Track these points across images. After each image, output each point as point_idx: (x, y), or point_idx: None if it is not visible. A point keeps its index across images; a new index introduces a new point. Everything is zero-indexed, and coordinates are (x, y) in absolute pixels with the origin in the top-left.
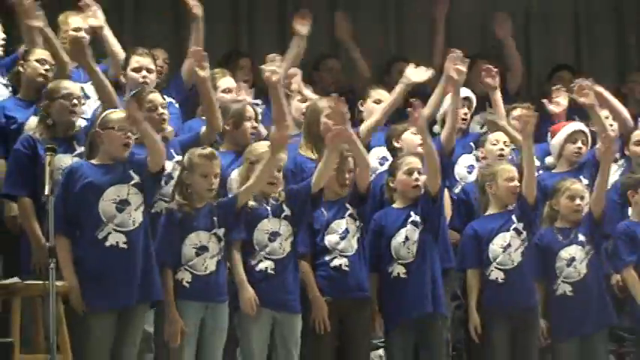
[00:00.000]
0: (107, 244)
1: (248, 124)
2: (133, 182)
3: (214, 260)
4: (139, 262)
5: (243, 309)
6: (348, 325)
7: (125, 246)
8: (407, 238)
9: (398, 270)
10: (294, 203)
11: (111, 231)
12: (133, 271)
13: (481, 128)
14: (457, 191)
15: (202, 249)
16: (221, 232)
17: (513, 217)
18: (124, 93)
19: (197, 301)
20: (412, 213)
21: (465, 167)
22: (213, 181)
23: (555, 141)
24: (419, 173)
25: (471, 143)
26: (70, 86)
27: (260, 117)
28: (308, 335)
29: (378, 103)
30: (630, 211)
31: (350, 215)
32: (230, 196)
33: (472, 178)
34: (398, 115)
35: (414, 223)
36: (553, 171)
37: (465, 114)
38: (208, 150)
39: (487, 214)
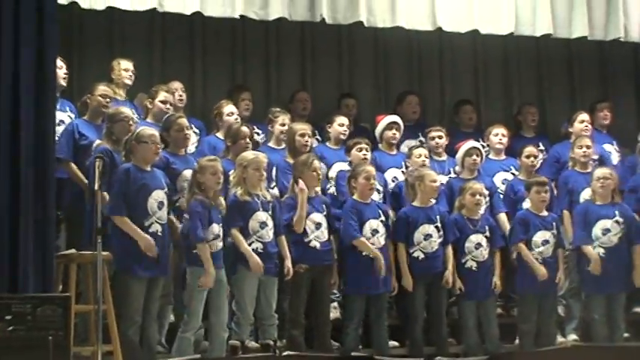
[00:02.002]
0: (151, 230)
1: (242, 142)
2: (166, 189)
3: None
4: (166, 246)
5: (255, 269)
6: (316, 283)
7: (161, 234)
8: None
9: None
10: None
11: (154, 222)
12: (162, 253)
13: (409, 150)
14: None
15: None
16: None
17: (435, 209)
18: (148, 116)
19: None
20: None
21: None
22: (220, 178)
23: (458, 155)
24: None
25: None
26: (126, 111)
27: (257, 137)
28: (289, 285)
29: (341, 125)
30: (525, 204)
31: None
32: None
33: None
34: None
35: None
36: (460, 176)
37: (394, 135)
38: (212, 157)
39: (415, 204)
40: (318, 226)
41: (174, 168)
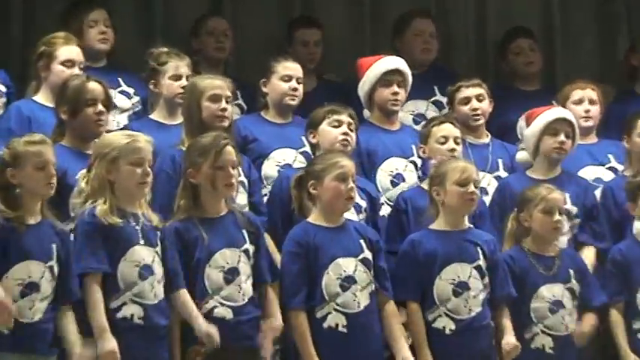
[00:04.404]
0: None
1: (90, 112)
2: None
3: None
4: None
5: None
6: None
7: None
8: None
9: None
10: None
11: None
12: None
13: (425, 126)
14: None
15: None
16: None
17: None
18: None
19: None
20: None
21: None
22: (53, 172)
23: (530, 131)
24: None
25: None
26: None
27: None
28: None
29: (288, 79)
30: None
31: None
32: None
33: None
34: None
35: None
36: (528, 173)
37: (395, 94)
38: (38, 136)
39: (434, 227)
40: (230, 275)
41: None
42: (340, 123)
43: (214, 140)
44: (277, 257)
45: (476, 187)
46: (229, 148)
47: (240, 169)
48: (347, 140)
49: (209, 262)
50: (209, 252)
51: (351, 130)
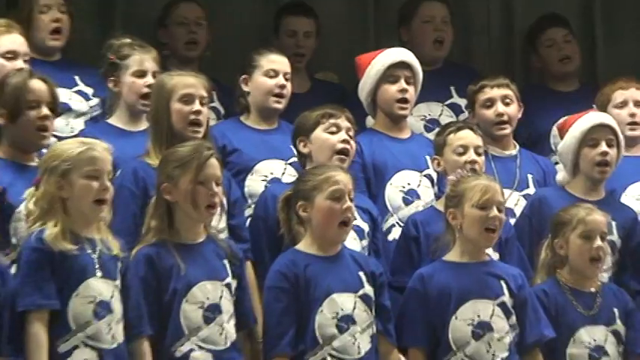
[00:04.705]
0: None
1: (33, 116)
2: None
3: None
4: None
5: None
6: None
7: None
8: None
9: None
10: None
11: None
12: None
13: (440, 133)
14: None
15: None
16: None
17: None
18: None
19: None
20: None
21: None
22: None
23: (565, 144)
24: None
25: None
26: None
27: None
28: None
29: (273, 76)
30: None
31: None
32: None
33: None
34: None
35: None
36: (567, 188)
37: (403, 91)
38: None
39: (451, 259)
40: (211, 313)
41: None
42: (338, 128)
43: (196, 150)
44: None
45: (500, 211)
46: (214, 161)
47: None
48: (347, 149)
49: (186, 297)
50: (186, 284)
51: (350, 137)
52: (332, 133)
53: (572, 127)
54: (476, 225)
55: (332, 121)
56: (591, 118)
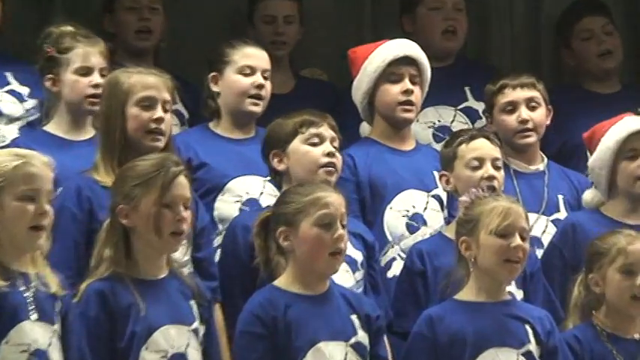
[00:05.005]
0: None
1: None
2: None
3: None
4: None
5: None
6: None
7: None
8: None
9: None
10: None
11: None
12: None
13: (448, 143)
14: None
15: None
16: None
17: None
18: None
19: None
20: None
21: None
22: None
23: (597, 157)
24: None
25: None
26: None
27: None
28: None
29: (248, 74)
30: None
31: None
32: None
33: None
34: None
35: None
36: (602, 210)
37: (407, 92)
38: None
39: (464, 298)
40: None
41: None
42: (321, 139)
43: (161, 165)
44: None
45: (523, 240)
46: (182, 179)
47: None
48: (333, 164)
49: (146, 344)
50: (147, 328)
51: (336, 149)
52: (313, 144)
53: (605, 136)
54: (494, 256)
55: (313, 130)
56: (628, 124)
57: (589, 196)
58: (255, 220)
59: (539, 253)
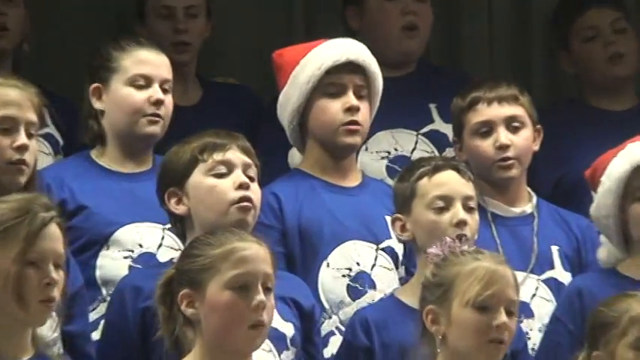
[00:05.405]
0: None
1: None
2: None
3: None
4: None
5: None
6: None
7: None
8: None
9: None
10: None
11: None
12: None
13: (403, 175)
14: None
15: None
16: None
17: None
18: None
19: None
20: None
21: None
22: None
23: (602, 197)
24: None
25: None
26: None
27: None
28: None
29: (143, 86)
30: None
31: None
32: None
33: None
34: None
35: None
36: (619, 269)
37: (351, 109)
38: None
39: None
40: None
41: None
42: (230, 167)
43: (25, 210)
44: None
45: (510, 315)
46: (53, 228)
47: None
48: (248, 198)
49: None
50: None
51: (252, 180)
52: (220, 175)
53: (604, 174)
54: (471, 335)
55: (217, 156)
56: (633, 154)
57: (604, 253)
58: (158, 279)
59: (528, 324)
